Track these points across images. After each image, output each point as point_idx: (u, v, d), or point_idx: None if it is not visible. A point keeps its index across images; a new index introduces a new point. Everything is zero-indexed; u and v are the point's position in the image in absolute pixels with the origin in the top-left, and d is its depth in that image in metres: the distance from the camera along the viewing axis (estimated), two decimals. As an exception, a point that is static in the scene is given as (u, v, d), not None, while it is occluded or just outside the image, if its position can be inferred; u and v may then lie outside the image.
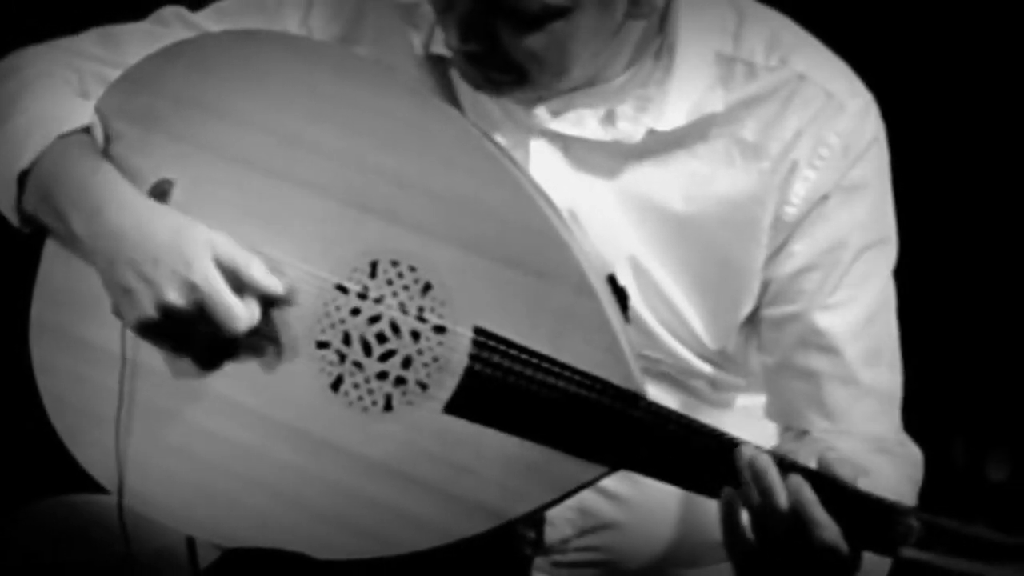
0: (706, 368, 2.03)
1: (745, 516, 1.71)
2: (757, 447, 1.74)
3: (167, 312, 1.87)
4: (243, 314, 1.87)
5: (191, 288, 1.86)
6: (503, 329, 1.82)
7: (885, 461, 1.93)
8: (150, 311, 1.87)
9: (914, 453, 2.00)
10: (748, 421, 2.03)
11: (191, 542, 1.94)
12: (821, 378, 1.98)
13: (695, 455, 1.75)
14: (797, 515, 1.68)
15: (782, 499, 1.68)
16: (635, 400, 1.78)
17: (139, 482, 1.94)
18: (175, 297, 1.86)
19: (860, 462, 1.81)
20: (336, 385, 1.88)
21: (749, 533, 1.71)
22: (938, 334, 2.32)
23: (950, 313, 2.81)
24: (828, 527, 1.68)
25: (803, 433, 2.00)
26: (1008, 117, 2.87)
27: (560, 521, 2.01)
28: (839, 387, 1.98)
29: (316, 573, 1.87)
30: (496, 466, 1.81)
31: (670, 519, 2.03)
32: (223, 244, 1.89)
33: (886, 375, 2.01)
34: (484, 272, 1.83)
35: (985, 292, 2.87)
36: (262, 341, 1.90)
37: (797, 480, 1.69)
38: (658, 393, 1.94)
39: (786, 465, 1.71)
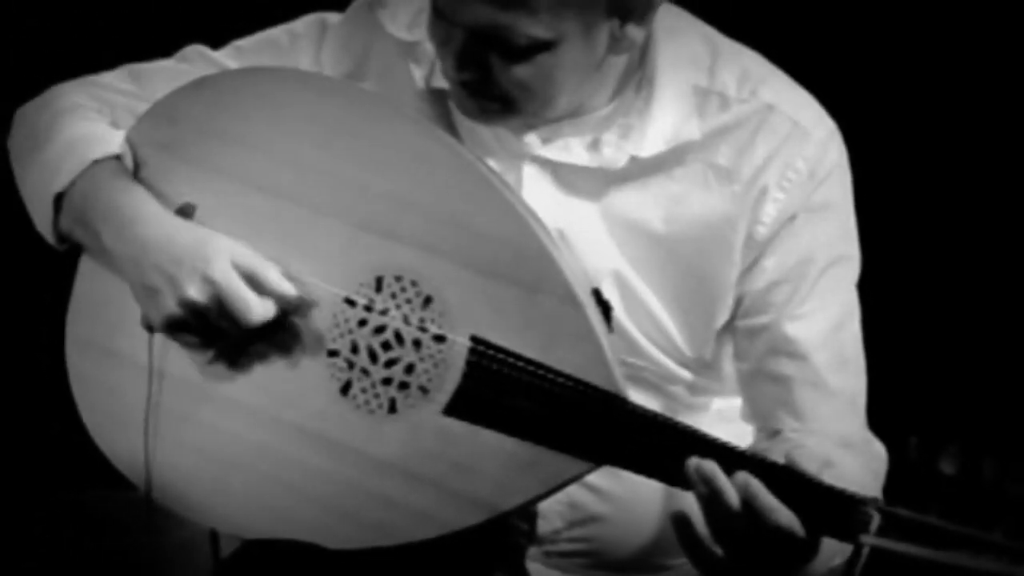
0: (684, 374, 2.06)
1: (702, 525, 1.74)
2: (725, 447, 1.77)
3: (189, 306, 1.90)
4: (258, 307, 1.90)
5: (210, 283, 1.89)
6: (497, 337, 1.86)
7: (850, 456, 1.95)
8: (173, 307, 1.91)
9: (878, 450, 2.02)
10: (723, 423, 2.05)
11: (214, 534, 1.98)
12: (791, 382, 2.00)
13: (672, 451, 1.78)
14: (749, 506, 1.71)
15: (732, 496, 1.71)
16: (617, 402, 1.82)
17: (164, 479, 1.98)
18: (195, 292, 1.89)
19: (826, 456, 1.83)
20: (345, 389, 1.91)
21: (709, 538, 1.74)
22: (897, 341, 2.36)
23: (911, 323, 2.85)
24: (779, 510, 1.70)
25: (776, 433, 2.02)
26: (950, 136, 2.93)
27: (551, 514, 2.04)
28: (808, 390, 2.00)
29: (327, 562, 1.90)
30: (491, 463, 1.85)
31: (652, 513, 2.05)
32: (242, 251, 1.93)
33: (851, 379, 2.03)
34: (480, 286, 1.87)
35: (942, 305, 2.92)
36: (278, 350, 1.94)
37: (743, 475, 1.72)
38: (639, 397, 1.95)
39: (736, 461, 1.74)
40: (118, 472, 2.03)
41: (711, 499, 1.73)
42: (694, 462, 1.74)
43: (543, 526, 2.05)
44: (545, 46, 1.87)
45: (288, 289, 1.92)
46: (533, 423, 1.84)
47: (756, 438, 2.06)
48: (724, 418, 2.10)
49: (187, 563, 2.05)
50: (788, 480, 1.73)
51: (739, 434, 2.05)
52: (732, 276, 2.01)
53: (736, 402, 2.10)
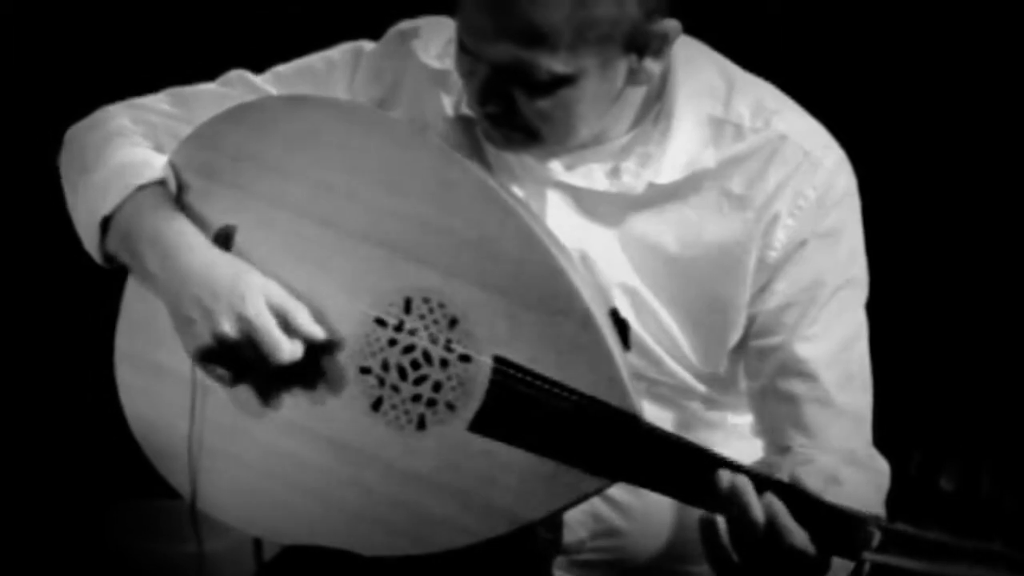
0: (700, 387, 2.08)
1: (724, 531, 1.78)
2: (737, 469, 1.81)
3: (221, 341, 1.95)
4: (287, 347, 1.95)
5: (243, 321, 1.94)
6: (519, 358, 1.90)
7: (856, 472, 1.98)
8: (207, 339, 1.96)
9: (882, 466, 2.05)
10: (737, 439, 2.11)
11: (257, 542, 2.03)
12: (801, 401, 2.02)
13: (683, 469, 1.82)
14: (771, 525, 1.75)
15: (758, 513, 1.76)
16: (632, 420, 1.86)
17: (208, 489, 2.03)
18: (229, 327, 1.95)
19: (833, 473, 1.90)
20: (376, 405, 1.95)
21: (729, 545, 1.77)
22: (901, 361, 2.38)
23: (914, 343, 2.88)
24: (797, 533, 1.75)
25: (785, 448, 2.04)
26: (950, 158, 2.95)
27: (576, 525, 2.06)
28: (816, 409, 2.02)
29: (361, 568, 1.94)
30: (513, 476, 1.89)
31: (667, 524, 2.08)
32: (276, 290, 1.97)
33: (858, 397, 2.05)
34: (503, 309, 1.91)
35: (941, 321, 2.94)
36: (313, 367, 1.98)
37: (770, 497, 1.76)
38: (656, 412, 2.01)
39: (761, 483, 1.78)
40: (162, 481, 2.08)
41: (739, 512, 1.77)
42: (727, 475, 1.79)
43: (568, 536, 2.08)
44: (566, 80, 1.90)
45: (317, 332, 1.97)
46: (551, 439, 1.88)
47: (766, 453, 2.09)
48: (738, 434, 2.13)
49: (230, 568, 2.09)
50: (796, 500, 1.77)
51: (754, 449, 2.09)
52: (744, 297, 2.03)
53: (750, 418, 2.13)
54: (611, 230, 2.04)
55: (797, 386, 2.03)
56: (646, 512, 2.07)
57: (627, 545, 2.09)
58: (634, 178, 2.02)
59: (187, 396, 2.04)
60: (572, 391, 1.88)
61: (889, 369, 2.12)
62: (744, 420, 2.14)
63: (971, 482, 1.79)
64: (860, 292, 2.08)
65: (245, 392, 2.02)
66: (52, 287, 3.00)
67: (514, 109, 1.94)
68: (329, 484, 1.97)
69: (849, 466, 1.99)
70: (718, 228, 2.02)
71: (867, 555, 1.75)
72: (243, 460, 2.02)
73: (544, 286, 1.91)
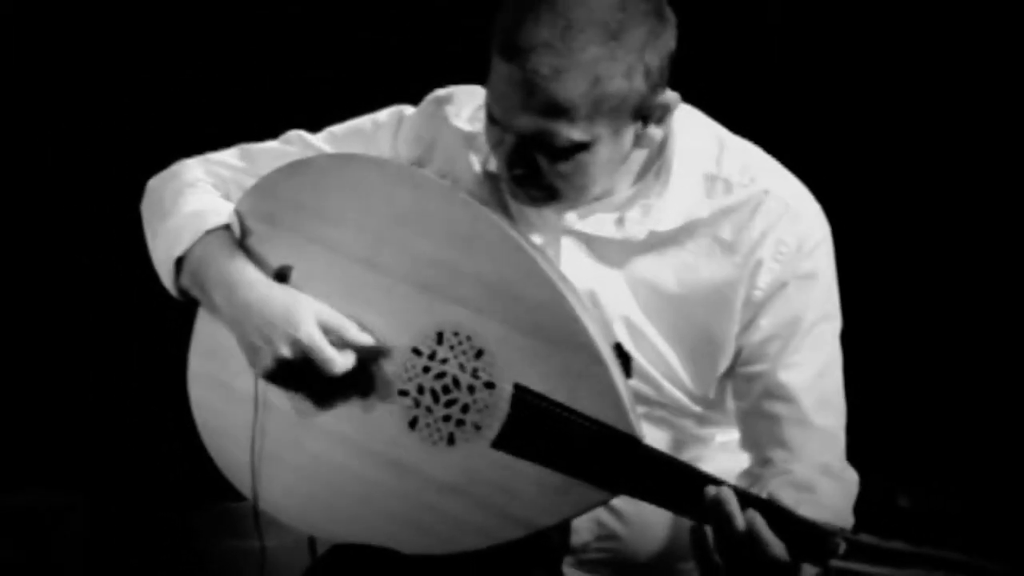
0: (694, 408, 2.18)
1: (712, 539, 1.89)
2: (722, 484, 1.92)
3: (281, 363, 2.09)
4: (339, 360, 2.08)
5: (297, 343, 2.08)
6: (535, 386, 2.02)
7: (828, 481, 2.09)
8: (270, 363, 2.10)
9: (852, 476, 2.15)
10: (725, 454, 2.21)
11: (312, 540, 2.16)
12: (782, 420, 2.12)
13: (677, 485, 1.94)
14: (752, 536, 1.87)
15: (740, 523, 1.87)
16: (633, 443, 1.98)
17: (269, 492, 2.15)
18: (286, 351, 2.08)
19: (806, 483, 2.02)
20: (413, 424, 2.08)
21: (715, 551, 1.89)
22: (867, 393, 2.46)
23: (878, 375, 2.96)
24: (774, 543, 1.87)
25: (767, 461, 2.14)
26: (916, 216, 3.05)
27: (582, 530, 2.16)
28: (796, 428, 2.11)
29: (400, 565, 2.06)
30: (530, 488, 2.01)
31: (661, 529, 2.18)
32: (326, 311, 2.10)
33: (832, 418, 2.14)
34: (521, 343, 2.03)
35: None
36: (359, 389, 2.10)
37: (751, 512, 1.88)
38: (653, 432, 2.12)
39: (745, 499, 1.89)
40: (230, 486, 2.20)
41: (724, 521, 1.88)
42: (714, 489, 1.90)
43: (575, 539, 2.18)
44: (582, 147, 2.01)
45: (366, 339, 2.09)
46: (563, 457, 2.00)
47: (751, 464, 2.19)
48: (726, 449, 2.23)
49: (288, 562, 2.21)
50: (773, 514, 1.89)
51: (738, 464, 2.19)
52: (733, 331, 2.14)
53: (736, 435, 2.22)
54: (617, 271, 2.15)
55: (779, 408, 2.14)
56: (642, 519, 2.18)
57: (626, 547, 2.19)
58: (637, 226, 2.13)
59: (250, 412, 2.16)
60: (582, 415, 2.00)
61: (859, 394, 2.22)
62: (731, 437, 2.23)
63: (926, 498, 1.88)
64: (835, 326, 2.18)
65: (303, 404, 2.14)
66: (159, 315, 3.07)
67: (537, 172, 2.05)
68: (373, 491, 2.09)
69: (823, 476, 2.10)
70: (711, 270, 2.12)
71: (834, 562, 1.85)
72: (299, 468, 2.14)
73: (558, 324, 2.02)
